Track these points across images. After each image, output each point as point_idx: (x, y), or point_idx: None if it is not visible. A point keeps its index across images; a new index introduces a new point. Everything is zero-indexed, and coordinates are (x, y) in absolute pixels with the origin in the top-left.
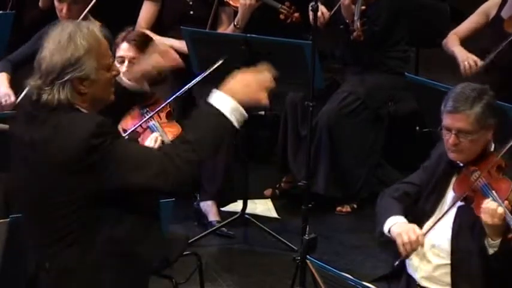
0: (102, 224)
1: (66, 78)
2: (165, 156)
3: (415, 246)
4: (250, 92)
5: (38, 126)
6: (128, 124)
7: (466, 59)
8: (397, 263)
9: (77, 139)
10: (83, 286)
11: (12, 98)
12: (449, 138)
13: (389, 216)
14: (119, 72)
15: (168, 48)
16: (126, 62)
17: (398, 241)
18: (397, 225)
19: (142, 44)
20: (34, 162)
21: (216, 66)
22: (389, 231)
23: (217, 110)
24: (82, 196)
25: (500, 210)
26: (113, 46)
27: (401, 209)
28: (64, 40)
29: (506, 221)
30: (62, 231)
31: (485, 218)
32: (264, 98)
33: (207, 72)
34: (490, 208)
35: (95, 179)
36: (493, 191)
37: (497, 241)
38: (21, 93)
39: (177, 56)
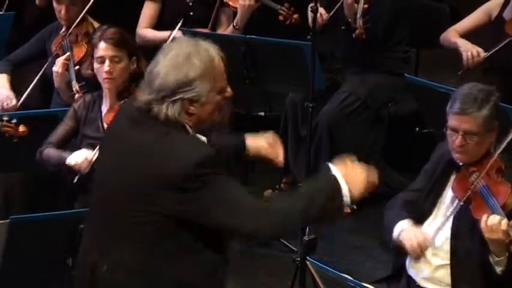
0: (170, 250)
1: (177, 97)
2: (263, 209)
3: (424, 248)
4: (360, 188)
5: (145, 130)
6: None
7: (469, 49)
8: (410, 262)
9: (183, 161)
10: None
11: (14, 101)
12: (455, 139)
13: (396, 223)
14: (231, 94)
15: (278, 144)
16: (107, 62)
17: (408, 245)
18: (404, 231)
19: (120, 41)
20: (132, 162)
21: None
22: (398, 236)
23: (338, 185)
24: (164, 214)
25: (504, 226)
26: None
27: (407, 216)
28: (181, 59)
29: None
30: (130, 238)
31: (488, 234)
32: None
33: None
34: (493, 224)
35: (185, 205)
36: (493, 198)
37: (503, 258)
38: (22, 96)
39: (281, 155)
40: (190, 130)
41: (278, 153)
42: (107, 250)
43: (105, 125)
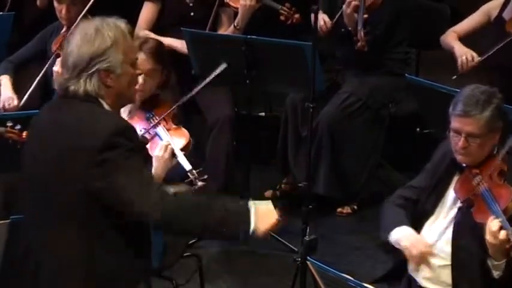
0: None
1: (93, 70)
2: (163, 193)
3: (425, 257)
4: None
5: (63, 112)
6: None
7: (464, 54)
8: (412, 271)
9: (99, 132)
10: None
11: (16, 102)
12: (458, 141)
13: (395, 227)
14: (141, 72)
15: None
16: (143, 75)
17: (407, 254)
18: (404, 238)
19: (159, 55)
20: (54, 143)
21: (218, 72)
22: (396, 243)
23: (247, 212)
24: (85, 189)
25: (503, 235)
26: None
27: (406, 217)
28: (91, 32)
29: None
30: (62, 215)
31: (489, 239)
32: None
33: (210, 78)
34: (492, 230)
35: (99, 177)
36: (495, 202)
37: (501, 262)
38: (24, 96)
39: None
40: (107, 107)
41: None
42: (43, 230)
43: None
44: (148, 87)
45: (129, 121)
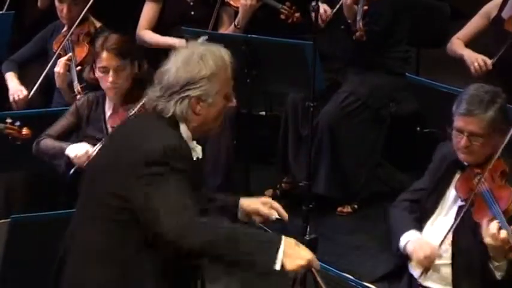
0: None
1: (185, 95)
2: (194, 218)
3: (432, 259)
4: (294, 265)
5: (136, 123)
6: None
7: (476, 60)
8: (420, 277)
9: (150, 146)
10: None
11: (25, 92)
12: (460, 140)
13: (403, 233)
14: (234, 105)
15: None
16: (111, 72)
17: (414, 259)
18: (410, 243)
19: (122, 50)
20: (114, 148)
21: None
22: (404, 248)
23: (277, 245)
24: (126, 199)
25: (503, 234)
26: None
27: (413, 221)
28: (195, 57)
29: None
30: (93, 220)
31: (487, 240)
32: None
33: None
34: (492, 232)
35: (138, 190)
36: (495, 203)
37: (502, 263)
38: (32, 89)
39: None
40: (186, 131)
41: (272, 212)
42: (74, 232)
43: (109, 128)
44: (120, 82)
45: (112, 118)
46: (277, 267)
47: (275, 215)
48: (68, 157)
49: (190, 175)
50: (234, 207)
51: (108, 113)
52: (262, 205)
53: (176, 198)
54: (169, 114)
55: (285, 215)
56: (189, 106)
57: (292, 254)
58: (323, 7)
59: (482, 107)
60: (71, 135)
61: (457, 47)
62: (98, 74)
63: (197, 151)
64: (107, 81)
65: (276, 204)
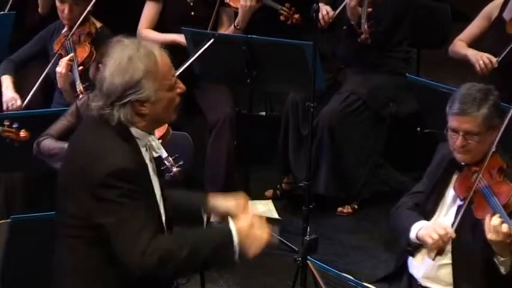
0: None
1: (126, 100)
2: (151, 241)
3: (447, 239)
4: (256, 247)
5: (87, 135)
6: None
7: (480, 58)
8: (434, 258)
9: (99, 167)
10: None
11: (19, 102)
12: (456, 140)
13: (411, 225)
14: (183, 90)
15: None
16: None
17: (429, 241)
18: (423, 229)
19: None
20: (71, 163)
21: (206, 46)
22: (416, 236)
23: (230, 236)
24: (82, 218)
25: (505, 228)
26: None
27: (419, 215)
28: (124, 62)
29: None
30: (66, 236)
31: (490, 236)
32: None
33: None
34: (494, 225)
35: (94, 211)
36: (495, 198)
37: (507, 258)
38: (26, 96)
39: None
40: (139, 131)
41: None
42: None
43: None
44: None
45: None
46: (237, 259)
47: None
48: None
49: (145, 190)
50: (197, 210)
51: None
52: (235, 206)
53: (131, 228)
54: (115, 121)
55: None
56: (133, 110)
57: (247, 242)
58: (325, 9)
59: (475, 105)
60: (72, 135)
61: (460, 48)
62: None
63: (154, 146)
64: None
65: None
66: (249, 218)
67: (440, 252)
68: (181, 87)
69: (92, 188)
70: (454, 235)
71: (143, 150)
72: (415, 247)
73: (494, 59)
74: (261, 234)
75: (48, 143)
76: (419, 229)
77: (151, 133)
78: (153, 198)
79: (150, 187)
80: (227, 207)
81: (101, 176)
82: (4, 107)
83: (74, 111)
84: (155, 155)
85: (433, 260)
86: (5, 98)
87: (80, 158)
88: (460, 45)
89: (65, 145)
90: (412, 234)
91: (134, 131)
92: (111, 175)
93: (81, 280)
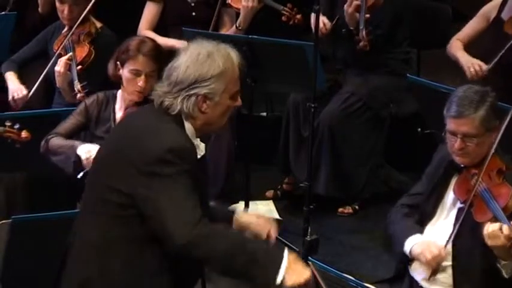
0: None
1: (193, 92)
2: (197, 220)
3: (440, 260)
4: (294, 281)
5: (146, 117)
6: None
7: (471, 65)
8: (428, 278)
9: (156, 144)
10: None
11: (24, 92)
12: (454, 143)
13: (406, 237)
14: (240, 104)
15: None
16: (143, 77)
17: (422, 260)
18: (416, 246)
19: (158, 57)
20: (118, 142)
21: None
22: (410, 252)
23: (280, 259)
24: (124, 193)
25: (506, 230)
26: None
27: (415, 226)
28: (203, 55)
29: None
30: (94, 213)
31: (490, 242)
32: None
33: None
34: (493, 231)
35: (144, 186)
36: (494, 201)
37: (510, 262)
38: (32, 88)
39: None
40: (191, 129)
41: (267, 232)
42: (77, 225)
43: None
44: (148, 88)
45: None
46: (278, 281)
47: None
48: (78, 158)
49: (196, 175)
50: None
51: (119, 113)
52: (255, 222)
53: (185, 203)
54: (176, 111)
55: (273, 238)
56: (196, 104)
57: (293, 270)
58: (322, 20)
59: (472, 108)
60: (79, 134)
61: (455, 50)
62: (127, 75)
63: (201, 148)
64: (135, 84)
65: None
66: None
67: (434, 272)
68: (239, 101)
69: (147, 163)
70: (446, 256)
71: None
72: (410, 259)
73: (484, 67)
74: (304, 271)
75: (58, 141)
76: (414, 245)
77: (197, 136)
78: (201, 187)
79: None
80: (249, 221)
81: (161, 151)
82: (10, 97)
83: (82, 110)
84: (199, 154)
85: (429, 279)
86: (11, 89)
87: (135, 134)
88: (455, 47)
89: (76, 143)
90: (406, 249)
91: (188, 126)
92: (171, 151)
93: (110, 259)
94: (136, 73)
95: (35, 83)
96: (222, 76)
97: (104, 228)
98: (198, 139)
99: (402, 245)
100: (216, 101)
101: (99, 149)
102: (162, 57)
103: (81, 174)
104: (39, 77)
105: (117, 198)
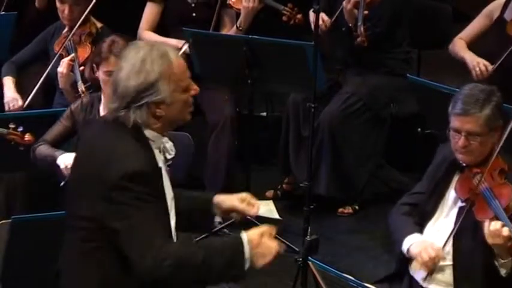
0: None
1: (142, 102)
2: (163, 246)
3: (437, 261)
4: (265, 260)
5: (102, 137)
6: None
7: (477, 65)
8: (425, 278)
9: (114, 169)
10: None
11: (20, 102)
12: (458, 141)
13: (405, 236)
14: (197, 91)
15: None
16: None
17: (419, 261)
18: (414, 245)
19: None
20: (83, 164)
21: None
22: (408, 251)
23: (242, 247)
24: (88, 218)
25: (505, 232)
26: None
27: (414, 225)
28: (138, 64)
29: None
30: (68, 241)
31: (491, 240)
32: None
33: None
34: (494, 230)
35: (108, 213)
36: (496, 200)
37: (508, 260)
38: (28, 96)
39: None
40: (153, 133)
41: (252, 208)
42: (62, 251)
43: None
44: None
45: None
46: (246, 268)
47: (253, 211)
48: (58, 167)
49: (158, 193)
50: (206, 205)
51: (102, 113)
52: (239, 201)
53: (145, 232)
54: (131, 124)
55: (255, 211)
56: (149, 112)
57: (258, 252)
58: (322, 17)
59: (478, 106)
60: (68, 140)
61: (459, 49)
62: (102, 76)
63: (167, 148)
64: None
65: (253, 200)
66: (260, 228)
67: (431, 273)
68: (195, 88)
69: (106, 190)
70: (443, 258)
71: (156, 152)
72: (406, 259)
73: (490, 67)
74: (271, 247)
75: (42, 151)
76: (411, 244)
77: (164, 135)
78: (165, 201)
79: (163, 190)
80: (232, 203)
81: (117, 178)
82: (6, 108)
83: (68, 115)
84: (169, 156)
85: (424, 280)
86: (6, 99)
87: (95, 159)
88: (459, 46)
89: (57, 153)
90: (404, 248)
91: (148, 133)
92: (126, 178)
93: (92, 284)
94: (110, 74)
95: (35, 84)
96: (162, 78)
97: (84, 254)
98: (165, 138)
99: (400, 244)
100: (169, 102)
101: (71, 171)
102: None
103: (63, 183)
104: (39, 78)
105: (90, 225)
